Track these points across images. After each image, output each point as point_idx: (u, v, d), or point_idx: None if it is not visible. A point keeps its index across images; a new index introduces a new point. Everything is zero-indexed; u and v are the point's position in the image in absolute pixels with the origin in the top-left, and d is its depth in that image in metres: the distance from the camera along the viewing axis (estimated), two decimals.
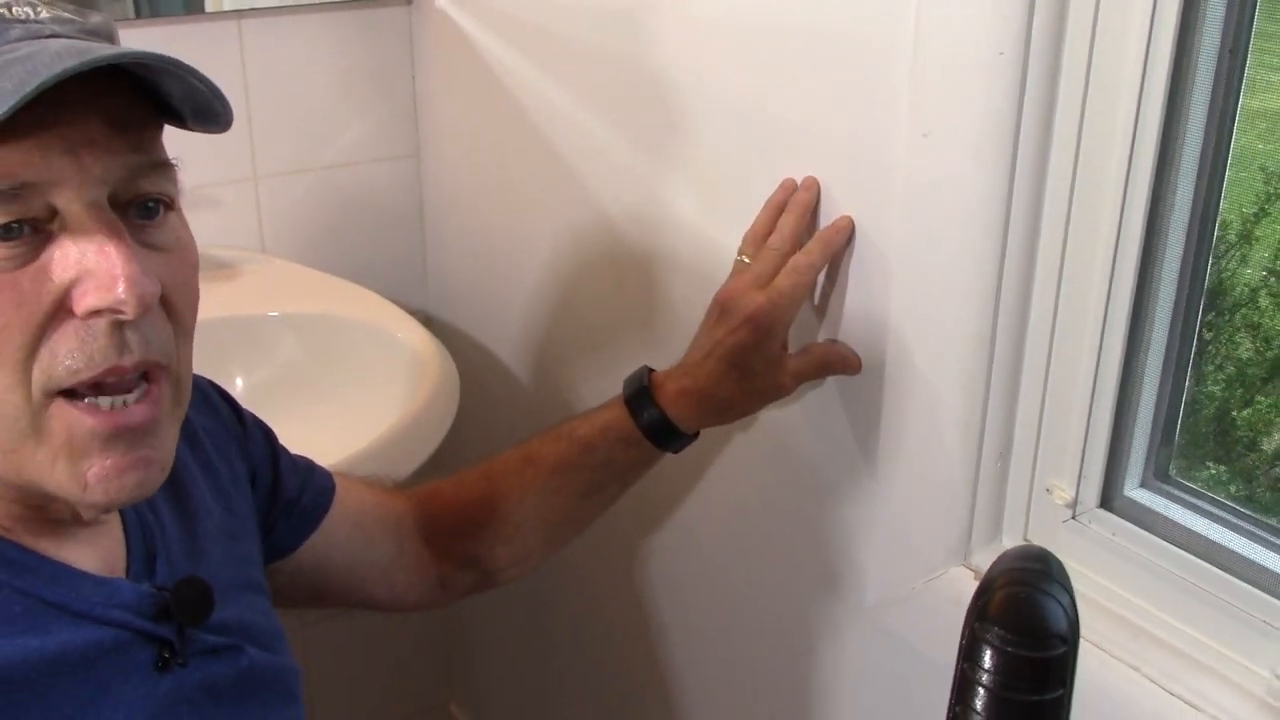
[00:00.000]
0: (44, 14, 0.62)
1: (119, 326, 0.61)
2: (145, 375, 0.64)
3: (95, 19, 0.65)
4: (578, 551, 1.29)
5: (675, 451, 1.01)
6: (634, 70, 1.14)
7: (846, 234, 0.95)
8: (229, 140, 1.41)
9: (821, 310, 1.00)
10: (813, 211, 0.97)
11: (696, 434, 1.01)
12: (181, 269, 0.66)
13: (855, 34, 0.91)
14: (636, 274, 1.22)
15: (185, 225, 0.68)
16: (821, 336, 1.01)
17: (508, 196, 1.42)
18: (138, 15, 1.36)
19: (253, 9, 1.41)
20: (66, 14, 0.64)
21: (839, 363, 0.98)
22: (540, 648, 1.62)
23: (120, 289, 0.59)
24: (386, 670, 1.83)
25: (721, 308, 0.96)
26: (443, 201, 1.57)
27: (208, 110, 0.65)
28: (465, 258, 1.55)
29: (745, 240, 0.99)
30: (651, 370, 1.00)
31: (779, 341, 0.95)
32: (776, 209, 0.98)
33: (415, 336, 1.31)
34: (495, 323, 1.52)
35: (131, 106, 0.63)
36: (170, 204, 0.66)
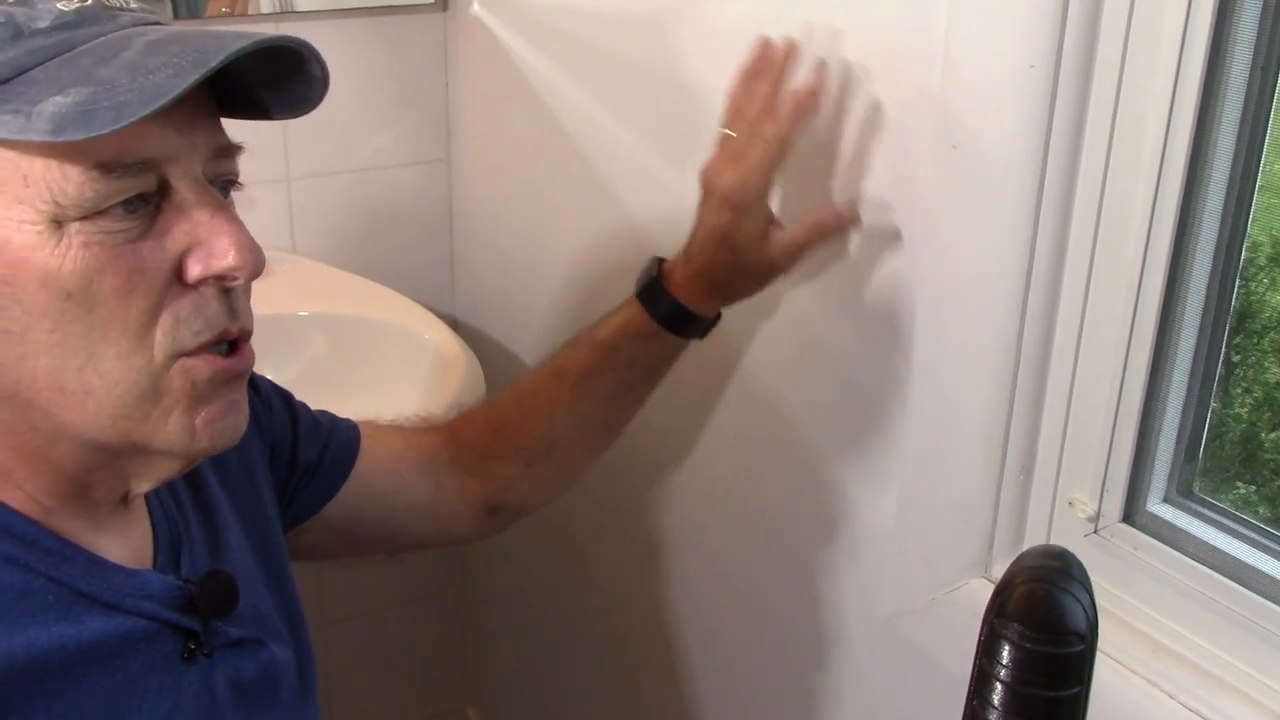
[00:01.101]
0: (132, 3, 0.66)
1: (227, 293, 0.65)
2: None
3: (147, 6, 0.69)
4: (596, 559, 1.30)
5: (700, 338, 1.01)
6: (664, 79, 1.15)
7: (818, 99, 0.93)
8: (263, 141, 1.43)
9: (848, 320, 1.01)
10: (785, 74, 0.94)
11: (718, 316, 1.01)
12: None
13: (884, 46, 0.92)
14: None
15: None
16: (850, 352, 1.01)
17: (537, 203, 1.43)
18: (176, 15, 1.37)
19: (290, 11, 1.42)
20: (146, 4, 0.68)
21: (832, 220, 0.97)
22: (556, 653, 1.62)
23: (232, 257, 0.63)
24: (404, 672, 1.84)
25: (704, 186, 0.96)
26: (472, 206, 1.58)
27: (302, 101, 0.69)
28: (493, 262, 1.56)
29: (725, 111, 0.97)
30: (662, 260, 1.00)
31: (759, 216, 0.94)
32: (751, 75, 0.96)
33: (442, 339, 1.32)
34: (521, 327, 1.53)
35: (206, 91, 0.66)
36: (237, 185, 0.69)
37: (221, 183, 0.67)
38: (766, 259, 0.96)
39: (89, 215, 0.61)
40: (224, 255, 0.63)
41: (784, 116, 0.93)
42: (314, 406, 1.30)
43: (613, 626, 1.49)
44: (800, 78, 0.95)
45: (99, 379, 0.63)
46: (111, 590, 0.68)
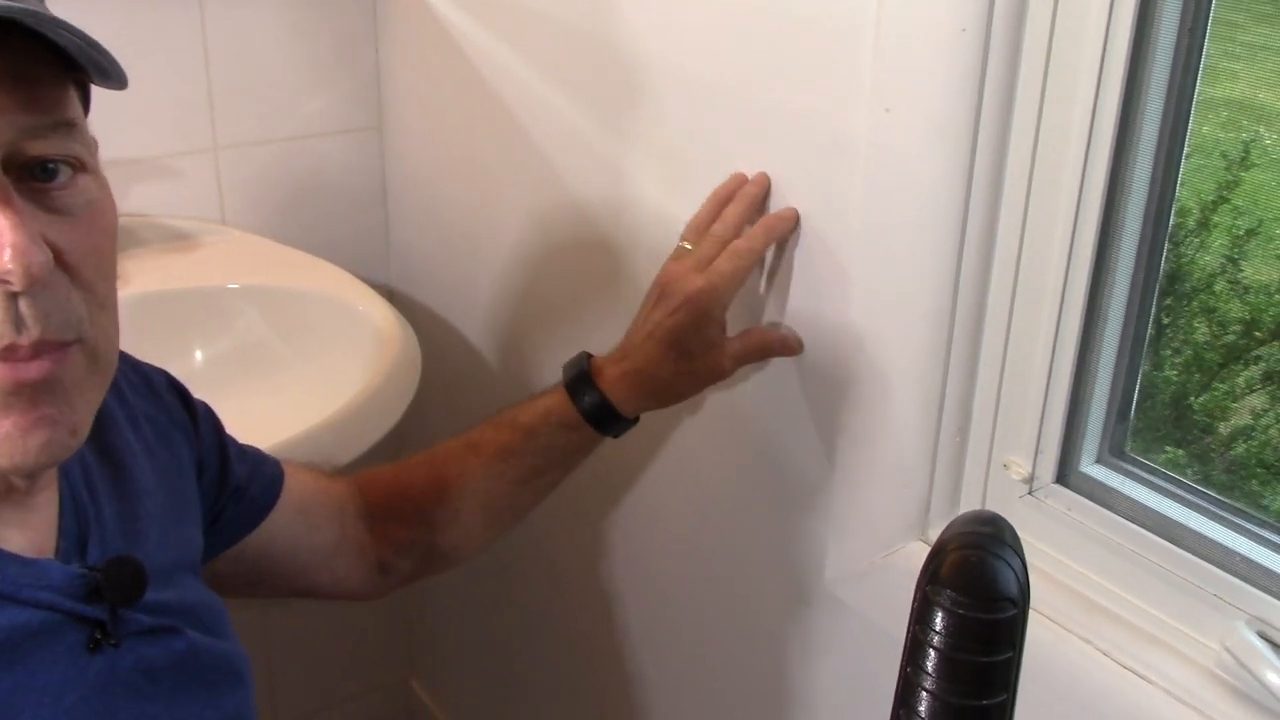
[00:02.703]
0: None
1: (13, 299, 0.58)
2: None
3: None
4: (540, 529, 1.29)
5: (615, 436, 1.01)
6: (599, 46, 1.14)
7: (791, 223, 0.96)
8: (189, 110, 1.41)
9: (776, 286, 1.01)
10: (761, 205, 0.98)
11: (637, 419, 1.01)
12: (91, 234, 0.63)
13: (818, 8, 0.91)
14: (599, 252, 1.21)
15: (102, 188, 0.65)
16: (775, 312, 1.01)
17: (471, 171, 1.41)
18: None
19: None
20: None
21: (779, 345, 0.99)
22: (501, 624, 1.62)
23: (6, 257, 0.56)
24: (346, 647, 1.83)
25: (661, 290, 0.97)
26: (405, 175, 1.56)
27: (99, 66, 0.61)
28: (428, 231, 1.54)
29: (688, 227, 1.00)
30: (590, 355, 1.01)
31: (717, 324, 0.96)
32: (722, 200, 0.99)
33: (377, 310, 1.30)
34: (457, 297, 1.52)
35: (28, 63, 0.59)
36: (79, 165, 0.62)
37: (44, 165, 0.60)
38: (715, 365, 0.97)
39: None
40: None
41: (756, 233, 0.95)
42: (248, 381, 1.29)
43: (557, 596, 1.49)
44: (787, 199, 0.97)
45: None
46: (6, 582, 0.65)
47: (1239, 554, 0.81)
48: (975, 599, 0.51)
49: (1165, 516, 0.86)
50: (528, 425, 1.01)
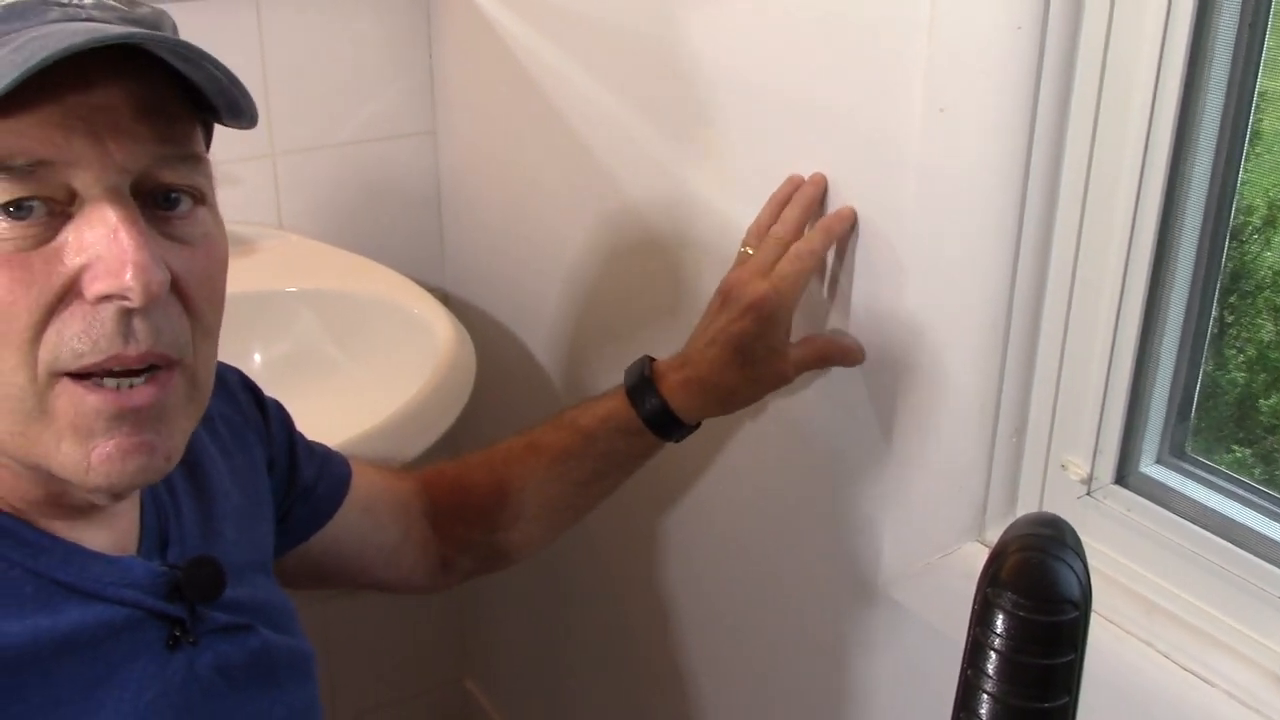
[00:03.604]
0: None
1: (127, 314, 0.60)
2: (153, 367, 0.63)
3: (142, 10, 0.65)
4: (594, 528, 1.30)
5: (676, 441, 1.01)
6: (653, 51, 1.14)
7: (849, 222, 0.96)
8: None
9: (834, 288, 1.01)
10: (818, 205, 0.98)
11: (698, 424, 1.01)
12: (204, 264, 0.65)
13: (871, 9, 0.91)
14: (652, 255, 1.22)
15: (217, 222, 0.67)
16: (835, 315, 1.01)
17: (525, 174, 1.42)
18: None
19: None
20: (113, 1, 0.63)
21: (839, 354, 0.99)
22: (555, 624, 1.63)
23: (128, 275, 0.59)
24: (402, 646, 1.84)
25: (724, 296, 0.97)
26: (460, 178, 1.57)
27: (234, 104, 0.64)
28: (482, 235, 1.55)
29: (749, 232, 1.00)
30: (652, 360, 1.01)
31: (783, 329, 0.95)
32: (780, 203, 0.99)
33: (432, 313, 1.31)
34: (511, 300, 1.53)
35: (163, 95, 0.62)
36: (199, 198, 0.65)
37: (168, 194, 0.63)
38: (779, 371, 0.97)
39: None
40: (117, 273, 0.59)
41: (815, 235, 0.95)
42: (305, 383, 1.30)
43: (610, 597, 1.49)
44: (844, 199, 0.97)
45: None
46: (91, 579, 0.67)
47: None
48: (1037, 601, 0.51)
49: (1226, 517, 0.85)
50: (588, 429, 1.02)
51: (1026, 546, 0.53)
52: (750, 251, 0.98)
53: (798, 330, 0.98)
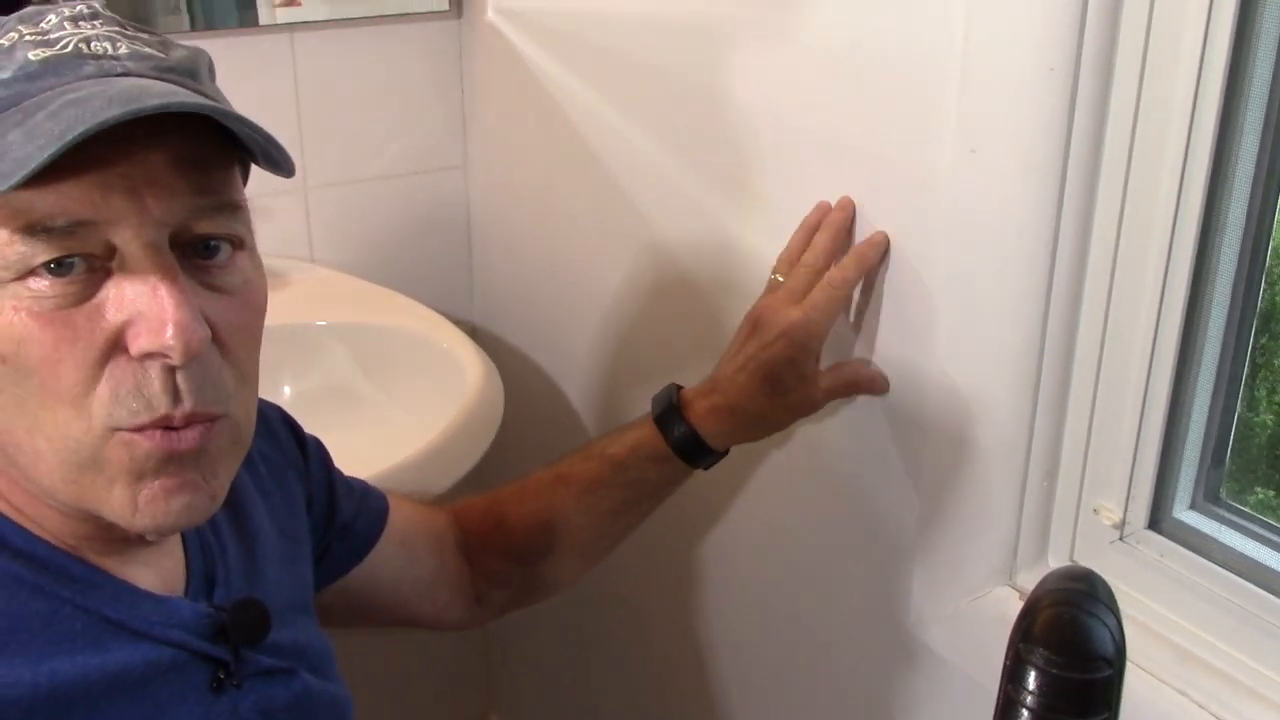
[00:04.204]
0: (123, 49, 0.62)
1: (171, 371, 0.61)
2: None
3: (179, 54, 0.65)
4: (621, 565, 1.29)
5: (705, 468, 1.01)
6: (687, 89, 1.14)
7: (881, 249, 0.95)
8: None
9: (865, 327, 1.00)
10: (848, 230, 0.98)
11: (727, 451, 1.01)
12: (243, 312, 0.65)
13: (902, 49, 0.91)
14: (681, 290, 1.22)
15: (256, 265, 0.67)
16: (865, 354, 1.01)
17: (555, 211, 1.42)
18: (193, 27, 1.37)
19: (305, 22, 1.42)
20: (148, 49, 0.63)
21: (867, 383, 0.98)
22: (581, 660, 1.62)
23: (168, 334, 0.59)
24: (427, 681, 1.84)
25: (755, 323, 0.97)
26: (490, 214, 1.57)
27: (269, 155, 0.64)
28: (511, 270, 1.56)
29: (779, 260, 1.00)
30: (679, 387, 1.01)
31: (814, 356, 0.95)
32: (810, 229, 0.99)
33: (461, 347, 1.31)
34: (540, 335, 1.53)
35: (201, 146, 0.62)
36: (238, 244, 0.65)
37: (207, 243, 0.63)
38: (809, 398, 0.97)
39: (20, 277, 0.59)
40: (159, 331, 0.59)
41: (849, 263, 0.95)
42: (335, 416, 1.31)
43: (637, 634, 1.48)
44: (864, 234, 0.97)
45: (46, 442, 0.61)
46: (140, 618, 0.67)
47: None
48: (1069, 658, 0.50)
49: (1262, 564, 0.83)
50: (617, 457, 1.01)
51: (1059, 601, 0.52)
52: (781, 279, 0.98)
53: (822, 364, 0.97)
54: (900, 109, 0.92)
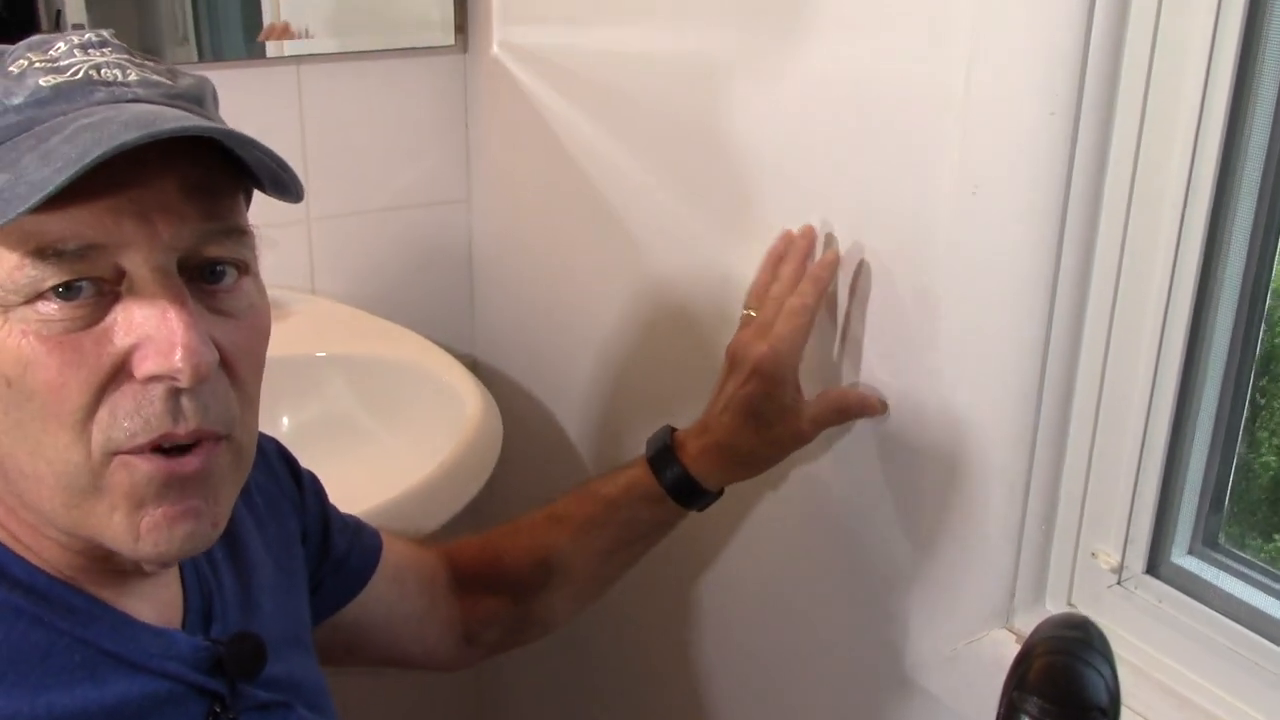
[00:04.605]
0: (132, 76, 0.63)
1: (176, 393, 0.61)
2: (199, 441, 0.63)
3: (186, 82, 0.66)
4: (614, 605, 1.29)
5: (700, 510, 1.01)
6: (689, 128, 1.14)
7: (834, 268, 0.97)
8: None
9: (865, 370, 1.00)
10: (810, 256, 0.98)
11: (721, 492, 1.00)
12: (249, 336, 0.66)
13: (905, 90, 0.91)
14: (685, 329, 1.22)
15: (260, 291, 0.68)
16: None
17: (558, 245, 1.43)
18: (201, 58, 1.38)
19: (311, 55, 1.43)
20: (156, 76, 0.64)
21: (859, 405, 0.98)
22: (572, 701, 1.61)
23: (177, 356, 0.59)
24: (417, 714, 1.82)
25: (731, 361, 0.98)
26: (492, 247, 1.58)
27: (278, 180, 0.65)
28: (513, 304, 1.56)
29: (749, 294, 1.00)
30: (674, 429, 1.01)
31: (790, 387, 0.96)
32: (775, 260, 1.00)
33: (460, 381, 1.31)
34: (540, 370, 1.53)
35: (210, 172, 0.62)
36: (244, 269, 0.65)
37: (214, 267, 0.63)
38: (795, 430, 0.97)
39: (29, 300, 0.59)
40: (167, 355, 0.59)
41: (805, 288, 0.96)
42: (333, 449, 1.30)
43: (630, 673, 1.47)
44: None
45: (47, 466, 0.61)
46: (138, 650, 0.67)
47: None
48: (1063, 708, 0.50)
49: (1260, 611, 0.83)
50: (611, 498, 1.01)
51: (1054, 649, 0.52)
52: (753, 314, 0.99)
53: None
54: (901, 149, 0.92)
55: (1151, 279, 0.84)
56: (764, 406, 0.95)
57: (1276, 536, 0.91)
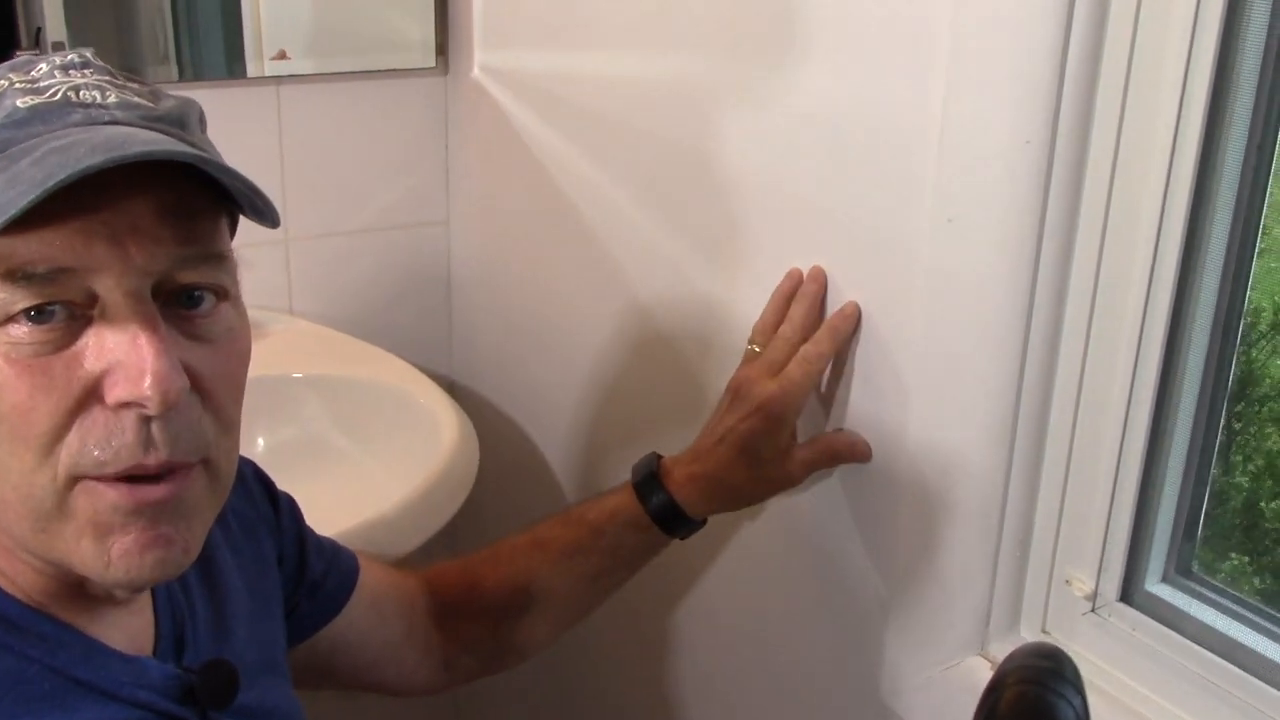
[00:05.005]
0: (112, 98, 0.62)
1: (146, 421, 0.60)
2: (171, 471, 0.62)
3: (168, 104, 0.65)
4: (593, 631, 1.28)
5: (683, 538, 1.01)
6: (670, 153, 1.15)
7: (854, 321, 0.96)
8: None
9: (840, 395, 1.00)
10: (822, 301, 0.98)
11: (704, 521, 1.00)
12: (226, 362, 0.65)
13: (881, 120, 0.91)
14: (664, 353, 1.22)
15: (240, 315, 0.67)
16: (839, 421, 1.01)
17: (536, 268, 1.43)
18: (181, 77, 1.38)
19: (292, 75, 1.43)
20: (137, 99, 0.63)
21: (848, 451, 0.98)
22: None
23: (146, 383, 0.58)
24: None
25: (734, 394, 0.97)
26: (471, 269, 1.58)
27: (255, 205, 0.64)
28: (491, 326, 1.56)
29: (755, 330, 1.00)
30: (660, 456, 1.00)
31: (789, 430, 0.96)
32: (784, 298, 0.99)
33: (438, 403, 1.31)
34: (518, 393, 1.52)
35: (187, 196, 0.62)
36: (222, 294, 0.64)
37: (191, 292, 0.62)
38: (785, 471, 0.97)
39: (0, 324, 0.58)
40: (136, 381, 0.58)
41: (823, 337, 0.96)
42: (309, 470, 1.30)
43: (609, 701, 1.47)
44: (838, 304, 0.98)
45: (12, 491, 0.60)
46: (109, 678, 0.66)
47: None
48: None
49: (1232, 640, 0.83)
50: (595, 523, 1.01)
51: (1024, 679, 0.52)
52: (758, 349, 0.99)
53: (799, 435, 0.97)
54: (880, 177, 0.93)
55: (1126, 305, 0.84)
56: (762, 445, 0.95)
57: (1233, 555, 0.92)
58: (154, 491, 0.61)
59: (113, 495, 0.60)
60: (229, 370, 0.65)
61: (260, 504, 0.89)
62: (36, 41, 1.28)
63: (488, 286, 1.55)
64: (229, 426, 0.66)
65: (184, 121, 0.65)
